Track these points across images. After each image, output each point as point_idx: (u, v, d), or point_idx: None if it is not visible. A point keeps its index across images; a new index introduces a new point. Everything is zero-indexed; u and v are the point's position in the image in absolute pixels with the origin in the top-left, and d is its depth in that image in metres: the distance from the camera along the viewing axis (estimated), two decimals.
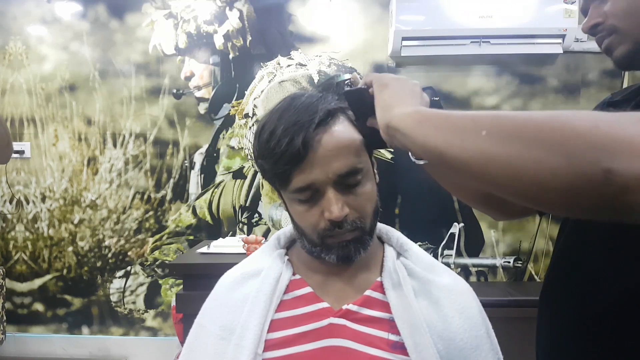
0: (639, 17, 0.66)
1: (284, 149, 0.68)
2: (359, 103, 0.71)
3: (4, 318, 2.42)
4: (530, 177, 0.46)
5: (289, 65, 2.40)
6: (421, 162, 0.81)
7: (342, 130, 0.71)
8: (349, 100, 0.73)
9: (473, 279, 2.41)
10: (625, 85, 2.35)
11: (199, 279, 1.87)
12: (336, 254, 0.73)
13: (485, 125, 0.50)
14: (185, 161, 2.47)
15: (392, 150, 2.29)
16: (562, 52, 2.18)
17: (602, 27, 0.70)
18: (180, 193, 2.48)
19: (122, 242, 2.51)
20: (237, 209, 2.47)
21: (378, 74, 0.70)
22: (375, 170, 0.78)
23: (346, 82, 0.74)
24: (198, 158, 2.47)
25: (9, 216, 2.53)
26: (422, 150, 0.57)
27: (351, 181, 0.71)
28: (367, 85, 0.70)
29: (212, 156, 2.47)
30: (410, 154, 0.79)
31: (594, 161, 0.42)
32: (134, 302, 2.52)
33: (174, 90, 2.45)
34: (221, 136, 2.46)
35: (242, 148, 2.45)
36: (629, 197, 0.41)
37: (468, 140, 0.51)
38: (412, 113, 0.60)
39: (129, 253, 2.51)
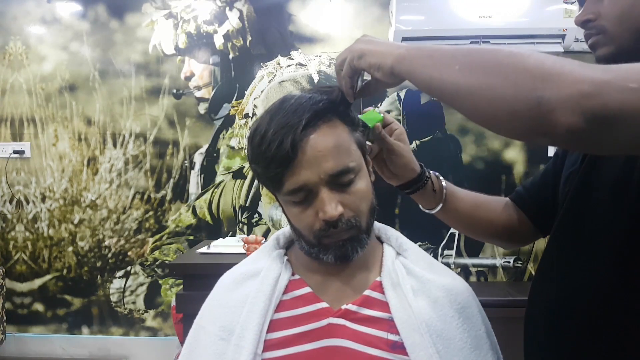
0: (629, 25, 0.69)
1: (274, 153, 0.68)
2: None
3: (4, 318, 2.42)
4: (487, 102, 0.55)
5: (289, 65, 2.40)
6: (432, 212, 0.95)
7: (332, 130, 0.71)
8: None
9: (473, 279, 2.41)
10: None
11: (199, 279, 1.87)
12: (333, 253, 0.73)
13: (459, 61, 0.59)
14: (185, 161, 2.47)
15: None
16: (562, 52, 2.18)
17: (593, 24, 0.73)
18: (180, 193, 2.48)
19: (122, 242, 2.51)
20: (237, 209, 2.47)
21: (348, 55, 0.72)
22: (370, 169, 0.78)
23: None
24: (198, 158, 2.47)
25: (9, 216, 2.53)
26: (417, 84, 0.64)
27: (344, 180, 0.71)
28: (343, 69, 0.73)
29: (212, 156, 2.47)
30: (420, 206, 0.95)
31: (532, 89, 0.51)
32: (134, 302, 2.52)
33: (174, 90, 2.45)
34: (221, 136, 2.46)
35: (242, 148, 2.45)
36: (554, 116, 0.49)
37: (445, 74, 0.60)
38: (402, 56, 0.65)
39: (129, 253, 2.51)
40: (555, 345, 0.77)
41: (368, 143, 0.81)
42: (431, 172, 0.93)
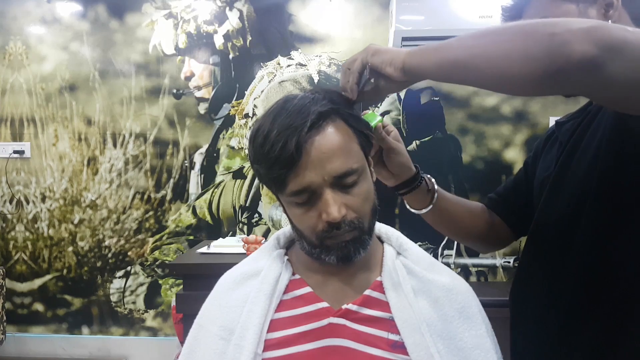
0: None
1: (277, 154, 0.67)
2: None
3: (4, 318, 2.42)
4: (500, 55, 0.60)
5: (289, 65, 2.40)
6: (421, 212, 0.99)
7: (336, 131, 0.70)
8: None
9: (473, 279, 2.41)
10: None
11: (199, 279, 1.87)
12: (336, 254, 0.73)
13: (469, 36, 0.65)
14: (185, 161, 2.47)
15: None
16: None
17: None
18: (180, 193, 2.48)
19: (122, 242, 2.51)
20: (237, 209, 2.47)
21: (361, 54, 0.76)
22: (372, 169, 0.78)
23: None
24: (198, 158, 2.47)
25: (9, 216, 2.53)
26: (429, 70, 0.69)
27: (347, 182, 0.71)
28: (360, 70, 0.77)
29: (212, 156, 2.47)
30: (407, 205, 1.00)
31: (543, 31, 0.57)
32: (134, 302, 2.52)
33: (174, 90, 2.45)
34: (221, 136, 2.46)
35: (242, 148, 2.45)
36: (568, 46, 0.54)
37: (457, 47, 0.66)
38: (413, 52, 0.71)
39: (129, 253, 2.51)
40: (542, 334, 0.83)
41: None
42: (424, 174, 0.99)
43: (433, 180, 0.99)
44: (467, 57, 0.64)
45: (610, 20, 0.77)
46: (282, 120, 0.69)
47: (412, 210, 1.02)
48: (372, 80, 0.78)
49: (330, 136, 0.70)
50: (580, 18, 0.61)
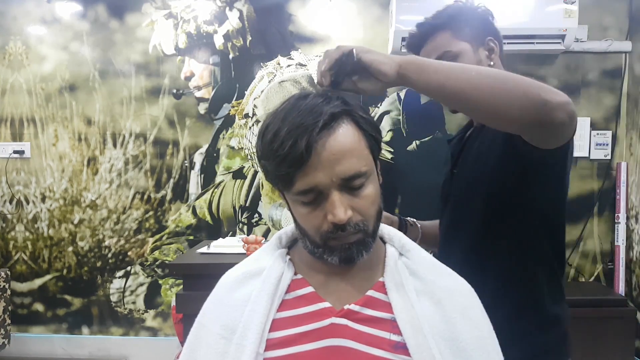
0: None
1: (287, 152, 0.67)
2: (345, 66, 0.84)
3: (7, 321, 2.41)
4: (502, 100, 0.78)
5: (289, 65, 2.40)
6: None
7: (347, 133, 0.70)
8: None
9: None
10: (624, 85, 2.36)
11: (199, 279, 1.87)
12: (339, 256, 0.73)
13: (473, 69, 0.82)
14: (185, 161, 2.48)
15: (391, 150, 2.30)
16: (562, 51, 2.18)
17: None
18: (180, 193, 2.48)
19: (122, 242, 2.51)
20: (237, 209, 2.47)
21: (346, 46, 0.86)
22: (379, 171, 0.78)
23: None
24: (198, 158, 2.47)
25: (9, 216, 2.53)
26: (426, 83, 0.80)
27: (355, 184, 0.70)
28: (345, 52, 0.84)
29: (212, 156, 2.47)
30: None
31: (538, 94, 0.78)
32: (134, 302, 2.52)
33: (174, 90, 2.45)
34: (221, 136, 2.46)
35: (242, 148, 2.45)
36: (554, 113, 0.78)
37: (463, 77, 0.79)
38: (409, 61, 0.80)
39: (129, 253, 2.51)
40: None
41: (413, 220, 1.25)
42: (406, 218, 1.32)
43: (413, 220, 1.33)
44: (471, 91, 0.78)
45: (492, 63, 1.08)
46: (293, 118, 0.69)
47: None
48: (355, 78, 0.82)
49: (341, 138, 0.69)
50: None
